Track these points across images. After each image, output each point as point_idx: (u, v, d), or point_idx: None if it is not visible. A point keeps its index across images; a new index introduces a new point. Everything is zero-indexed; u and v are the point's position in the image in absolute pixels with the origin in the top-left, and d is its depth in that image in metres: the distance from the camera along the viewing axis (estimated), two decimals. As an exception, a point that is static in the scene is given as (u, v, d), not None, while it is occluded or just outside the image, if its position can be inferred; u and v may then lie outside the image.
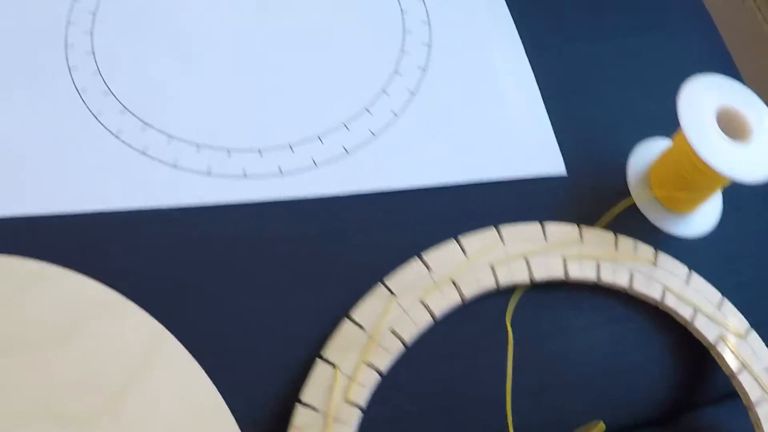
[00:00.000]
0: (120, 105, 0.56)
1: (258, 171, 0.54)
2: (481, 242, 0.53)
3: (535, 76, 0.63)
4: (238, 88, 0.58)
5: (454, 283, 0.52)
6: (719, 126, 0.52)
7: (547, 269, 0.54)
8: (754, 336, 0.56)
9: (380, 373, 0.49)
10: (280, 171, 0.54)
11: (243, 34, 0.61)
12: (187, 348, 0.47)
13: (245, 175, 0.54)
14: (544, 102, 0.61)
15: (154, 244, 0.52)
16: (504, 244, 0.54)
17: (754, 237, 0.61)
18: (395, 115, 0.58)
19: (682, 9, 0.71)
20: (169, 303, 0.49)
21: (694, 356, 0.56)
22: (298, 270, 0.52)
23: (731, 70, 0.69)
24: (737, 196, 0.60)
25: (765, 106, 0.54)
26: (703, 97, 0.52)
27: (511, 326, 0.53)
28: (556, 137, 0.60)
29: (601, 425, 0.50)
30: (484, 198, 0.57)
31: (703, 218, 0.59)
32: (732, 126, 0.53)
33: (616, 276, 0.54)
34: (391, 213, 0.55)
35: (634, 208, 0.57)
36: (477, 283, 0.52)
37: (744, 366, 0.54)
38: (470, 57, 0.62)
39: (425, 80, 0.60)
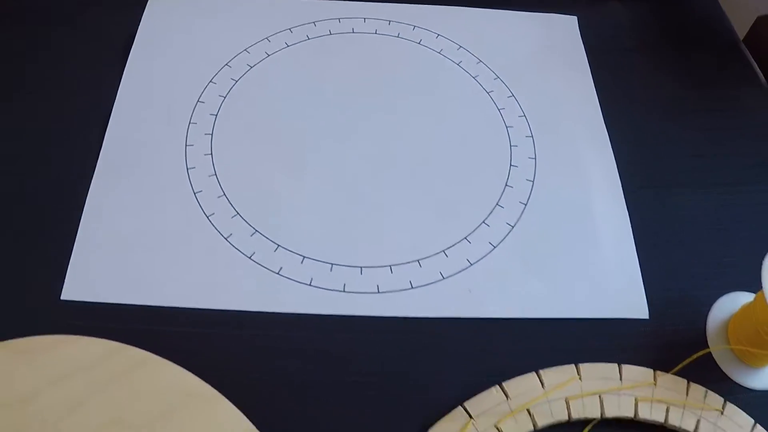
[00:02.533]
0: (233, 209, 0.68)
1: (357, 287, 0.64)
2: (560, 377, 0.62)
3: (631, 220, 0.71)
4: (346, 207, 0.68)
5: (529, 412, 0.61)
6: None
7: (619, 408, 0.62)
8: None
9: None
10: (378, 289, 0.65)
11: (357, 156, 0.72)
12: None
13: (344, 290, 0.64)
14: (636, 245, 0.69)
15: (253, 345, 0.61)
16: (581, 380, 0.63)
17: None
18: (492, 246, 0.67)
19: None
20: (260, 402, 0.58)
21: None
22: (383, 385, 0.61)
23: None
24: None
25: None
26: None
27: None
28: (643, 281, 0.67)
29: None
30: (566, 333, 0.64)
31: (773, 373, 0.68)
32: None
33: (683, 421, 0.62)
34: (477, 339, 0.63)
35: (709, 357, 0.66)
36: (551, 414, 0.61)
37: None
38: (570, 197, 0.70)
39: (525, 215, 0.69)
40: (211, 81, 0.75)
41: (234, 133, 0.71)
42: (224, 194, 0.67)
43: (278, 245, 0.65)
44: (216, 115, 0.72)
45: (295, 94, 0.75)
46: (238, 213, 0.66)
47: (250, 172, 0.69)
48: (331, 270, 0.64)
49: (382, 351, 0.62)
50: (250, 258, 0.64)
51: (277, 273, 0.63)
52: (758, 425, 0.62)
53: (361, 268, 0.64)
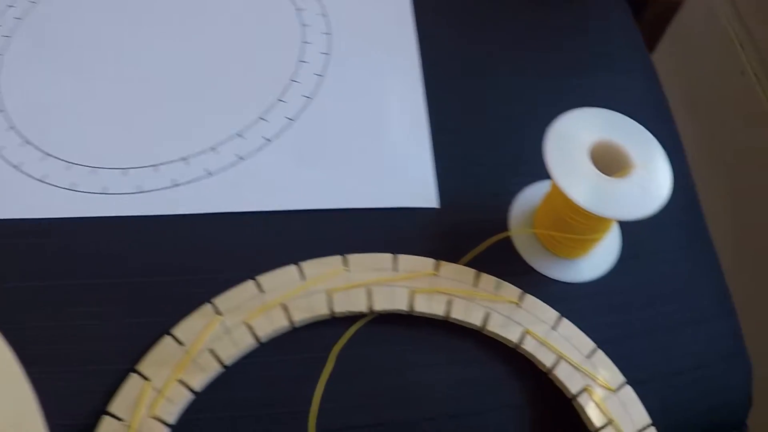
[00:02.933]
0: (6, 124, 0.65)
1: (119, 189, 0.60)
2: (323, 268, 0.57)
3: (433, 111, 0.66)
4: (107, 109, 0.65)
5: (284, 307, 0.56)
6: (596, 162, 0.54)
7: (391, 301, 0.56)
8: (628, 391, 0.56)
9: (193, 391, 0.53)
10: (141, 189, 0.61)
11: (128, 64, 0.68)
12: (16, 352, 0.53)
13: (107, 192, 0.61)
14: (438, 137, 0.65)
15: (13, 250, 0.59)
16: (348, 271, 0.57)
17: (647, 289, 0.62)
18: (267, 140, 0.62)
19: (620, 51, 0.74)
20: (6, 306, 0.55)
21: (561, 409, 0.57)
22: (140, 284, 0.57)
23: (664, 115, 0.71)
24: (635, 245, 0.62)
25: (653, 139, 0.56)
26: (577, 133, 0.54)
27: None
28: (445, 173, 0.63)
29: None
30: (345, 225, 0.60)
31: (592, 265, 0.61)
32: (612, 161, 0.55)
33: (468, 314, 0.57)
34: (243, 235, 0.59)
35: (512, 251, 0.60)
36: (309, 309, 0.56)
37: (610, 422, 0.55)
38: (362, 90, 0.66)
39: (308, 108, 0.64)
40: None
41: (22, 55, 0.69)
42: (3, 109, 0.64)
43: (46, 154, 0.61)
44: (9, 37, 0.70)
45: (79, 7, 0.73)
46: (12, 127, 0.63)
47: (31, 88, 0.67)
48: (94, 173, 0.60)
49: (139, 251, 0.59)
50: (16, 168, 0.61)
51: (41, 180, 0.60)
52: (564, 318, 0.56)
53: (124, 169, 0.61)
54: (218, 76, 0.66)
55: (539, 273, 0.59)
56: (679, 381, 0.59)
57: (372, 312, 0.56)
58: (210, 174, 0.60)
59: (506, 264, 0.59)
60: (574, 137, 0.54)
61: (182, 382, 0.52)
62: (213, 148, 0.61)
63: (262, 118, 0.63)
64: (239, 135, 0.62)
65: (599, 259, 0.60)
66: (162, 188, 0.60)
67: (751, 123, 0.87)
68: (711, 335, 0.61)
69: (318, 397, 0.53)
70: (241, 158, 0.61)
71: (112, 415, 0.51)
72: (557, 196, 0.56)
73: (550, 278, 0.59)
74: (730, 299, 0.64)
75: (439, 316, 0.56)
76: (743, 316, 0.64)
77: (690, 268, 0.63)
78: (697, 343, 0.60)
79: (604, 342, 0.57)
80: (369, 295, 0.55)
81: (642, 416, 0.55)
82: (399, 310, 0.56)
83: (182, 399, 0.52)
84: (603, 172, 0.52)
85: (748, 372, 0.62)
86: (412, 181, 0.61)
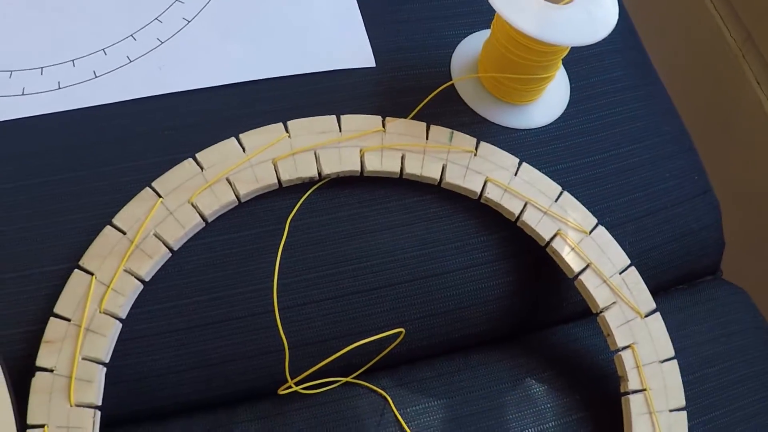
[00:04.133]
0: None
1: (37, 88, 0.56)
2: (264, 137, 0.53)
3: None
4: (17, 6, 0.60)
5: (229, 182, 0.52)
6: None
7: (340, 163, 0.53)
8: (602, 233, 0.54)
9: (142, 281, 0.49)
10: (59, 86, 0.56)
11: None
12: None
13: (23, 93, 0.56)
14: None
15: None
16: (291, 137, 0.54)
17: (603, 130, 0.59)
18: (187, 21, 0.59)
19: None
20: None
21: (535, 259, 0.55)
22: (72, 180, 0.53)
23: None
24: (585, 88, 0.59)
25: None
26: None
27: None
28: (378, 30, 0.60)
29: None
30: (280, 94, 0.56)
31: (544, 109, 0.59)
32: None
33: (424, 168, 0.54)
34: (173, 117, 0.55)
35: (460, 103, 0.57)
36: (255, 180, 0.52)
37: (589, 265, 0.53)
38: None
39: None
40: None
41: None
42: None
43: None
44: None
45: None
46: None
47: None
48: (10, 77, 0.56)
49: (67, 148, 0.54)
50: None
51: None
52: (525, 163, 0.53)
53: (41, 68, 0.56)
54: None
55: (490, 122, 0.57)
56: (649, 222, 0.58)
57: (322, 177, 0.52)
58: (131, 61, 0.56)
59: (455, 116, 0.56)
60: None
61: (129, 272, 0.49)
62: (132, 35, 0.57)
63: (178, 0, 0.59)
64: (158, 20, 0.58)
65: (550, 102, 0.58)
66: (82, 81, 0.55)
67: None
68: (675, 173, 0.59)
69: (276, 271, 0.50)
70: (162, 41, 0.57)
71: (59, 316, 0.47)
72: (500, 33, 0.53)
73: (502, 126, 0.57)
74: (688, 135, 0.62)
75: (393, 173, 0.53)
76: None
77: (643, 107, 0.61)
78: (663, 181, 0.59)
79: (568, 187, 0.55)
80: (317, 159, 0.52)
81: (621, 257, 0.53)
82: (350, 171, 0.53)
83: (131, 290, 0.49)
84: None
85: (716, 209, 0.60)
86: (343, 41, 0.58)
